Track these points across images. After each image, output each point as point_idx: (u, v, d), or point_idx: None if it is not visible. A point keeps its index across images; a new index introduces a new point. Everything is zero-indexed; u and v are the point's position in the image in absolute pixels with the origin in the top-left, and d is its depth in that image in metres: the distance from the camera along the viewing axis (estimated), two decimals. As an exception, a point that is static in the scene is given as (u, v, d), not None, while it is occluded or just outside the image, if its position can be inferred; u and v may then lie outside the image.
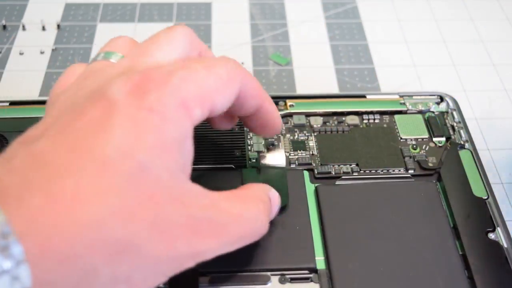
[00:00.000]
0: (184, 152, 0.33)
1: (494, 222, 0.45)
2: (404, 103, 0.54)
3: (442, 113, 0.54)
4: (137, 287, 0.30)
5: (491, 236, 0.44)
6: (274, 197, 0.40)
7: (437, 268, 0.42)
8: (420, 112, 0.54)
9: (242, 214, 0.35)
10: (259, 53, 0.64)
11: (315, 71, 0.62)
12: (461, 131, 0.52)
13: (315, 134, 0.52)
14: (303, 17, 0.69)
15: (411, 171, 0.49)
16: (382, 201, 0.46)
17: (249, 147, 0.51)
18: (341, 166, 0.49)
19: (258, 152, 0.49)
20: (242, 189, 0.38)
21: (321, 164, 0.49)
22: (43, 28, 0.66)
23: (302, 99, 0.54)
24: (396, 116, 0.53)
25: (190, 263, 0.32)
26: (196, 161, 0.50)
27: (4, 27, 0.66)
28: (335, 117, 0.53)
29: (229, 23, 0.68)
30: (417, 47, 0.66)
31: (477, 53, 0.65)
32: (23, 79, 0.60)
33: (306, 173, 0.48)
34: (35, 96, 0.58)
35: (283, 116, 0.53)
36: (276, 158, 0.49)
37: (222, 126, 0.43)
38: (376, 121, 0.53)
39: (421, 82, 0.61)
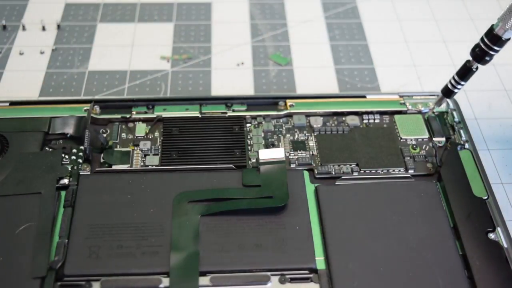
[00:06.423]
0: None
1: (494, 222, 0.45)
2: (404, 103, 0.54)
3: (442, 113, 0.54)
4: None
5: (491, 236, 0.44)
6: None
7: (437, 268, 0.42)
8: (420, 112, 0.54)
9: None
10: (259, 53, 0.64)
11: (315, 71, 0.62)
12: (461, 131, 0.52)
13: (315, 134, 0.52)
14: (303, 17, 0.69)
15: (411, 171, 0.49)
16: (382, 201, 0.46)
17: (249, 147, 0.51)
18: (341, 166, 0.49)
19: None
20: None
21: (321, 164, 0.49)
22: (43, 28, 0.66)
23: (302, 99, 0.54)
24: (396, 116, 0.53)
25: None
26: (196, 161, 0.50)
27: (4, 27, 0.66)
28: (335, 117, 0.53)
29: (229, 23, 0.68)
30: (417, 47, 0.66)
31: (477, 53, 0.65)
32: (23, 79, 0.60)
33: (306, 173, 0.48)
34: (35, 96, 0.58)
35: (283, 116, 0.53)
36: (275, 153, 0.48)
37: None
38: (376, 121, 0.53)
39: (421, 82, 0.61)
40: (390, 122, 0.53)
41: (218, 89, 0.59)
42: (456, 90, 0.50)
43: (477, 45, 0.47)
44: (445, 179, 0.48)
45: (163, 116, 0.52)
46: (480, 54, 0.47)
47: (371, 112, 0.54)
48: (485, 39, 0.46)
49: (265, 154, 0.48)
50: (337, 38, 0.66)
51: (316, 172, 0.49)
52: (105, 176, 0.47)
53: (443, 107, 0.54)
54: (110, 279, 0.41)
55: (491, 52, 0.46)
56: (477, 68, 0.48)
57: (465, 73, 0.48)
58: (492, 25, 0.46)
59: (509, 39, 0.46)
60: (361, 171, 0.49)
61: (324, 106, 0.54)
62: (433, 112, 0.54)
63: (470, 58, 0.48)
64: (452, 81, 0.49)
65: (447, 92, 0.50)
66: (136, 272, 0.41)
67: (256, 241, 0.43)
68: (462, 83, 0.49)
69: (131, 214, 0.44)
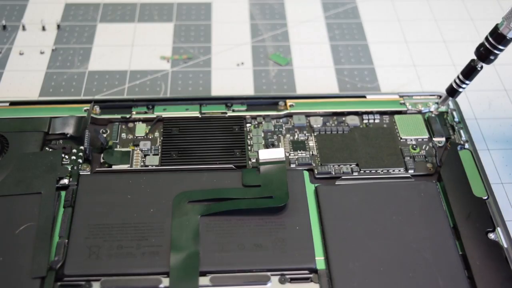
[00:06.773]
0: None
1: (494, 222, 0.45)
2: (404, 103, 0.54)
3: (442, 113, 0.54)
4: None
5: (491, 236, 0.44)
6: None
7: (437, 268, 0.42)
8: (420, 112, 0.54)
9: None
10: (259, 53, 0.64)
11: (315, 71, 0.62)
12: (461, 131, 0.52)
13: (315, 134, 0.52)
14: (303, 17, 0.69)
15: (411, 171, 0.49)
16: (382, 201, 0.46)
17: (249, 147, 0.51)
18: (341, 166, 0.49)
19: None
20: None
21: (321, 164, 0.49)
22: (43, 28, 0.66)
23: (302, 99, 0.54)
24: (396, 116, 0.53)
25: None
26: (196, 161, 0.50)
27: (4, 27, 0.66)
28: (335, 117, 0.53)
29: (229, 23, 0.68)
30: (417, 47, 0.66)
31: (477, 53, 0.65)
32: (23, 79, 0.60)
33: (306, 173, 0.48)
34: (35, 96, 0.58)
35: (283, 116, 0.53)
36: (275, 153, 0.48)
37: None
38: (376, 121, 0.53)
39: (421, 82, 0.61)
40: (390, 122, 0.53)
41: (218, 89, 0.59)
42: (460, 90, 0.50)
43: (481, 44, 0.47)
44: (445, 179, 0.48)
45: (163, 116, 0.52)
46: (485, 53, 0.47)
47: (371, 112, 0.54)
48: (490, 38, 0.46)
49: (265, 154, 0.48)
50: (337, 38, 0.66)
51: (316, 172, 0.49)
52: (105, 176, 0.47)
53: (443, 107, 0.54)
54: (110, 279, 0.41)
55: (496, 51, 0.46)
56: (481, 67, 0.48)
57: (469, 72, 0.49)
58: (497, 24, 0.46)
59: None
60: (361, 171, 0.49)
61: (324, 106, 0.54)
62: (434, 113, 0.54)
63: (475, 57, 0.48)
64: (457, 81, 0.50)
65: (452, 92, 0.50)
66: (136, 272, 0.41)
67: (256, 241, 0.43)
68: (467, 82, 0.49)
69: (131, 214, 0.44)
